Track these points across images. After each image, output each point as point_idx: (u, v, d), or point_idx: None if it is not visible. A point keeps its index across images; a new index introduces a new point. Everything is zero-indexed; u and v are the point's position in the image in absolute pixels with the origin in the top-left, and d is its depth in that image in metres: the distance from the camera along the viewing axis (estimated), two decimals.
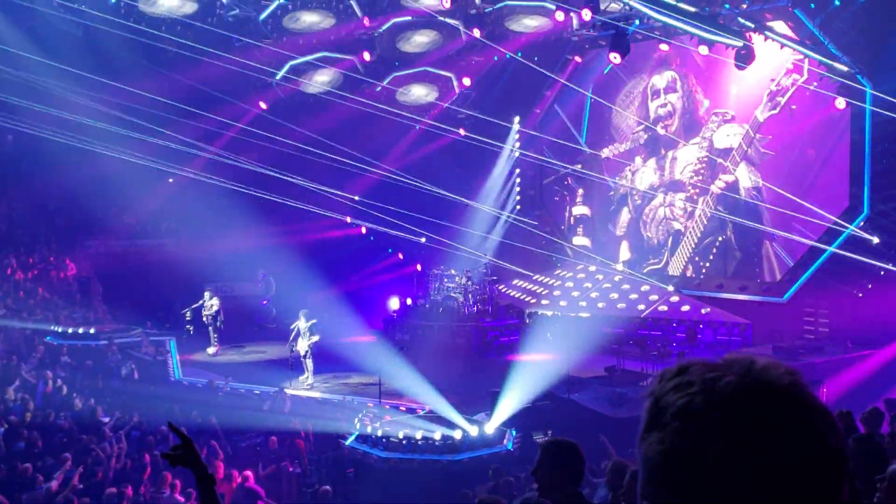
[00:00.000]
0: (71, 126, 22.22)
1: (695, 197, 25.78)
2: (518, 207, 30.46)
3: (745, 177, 24.32)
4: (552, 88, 28.66)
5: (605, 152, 28.31)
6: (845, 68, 20.22)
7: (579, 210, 29.51)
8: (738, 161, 24.51)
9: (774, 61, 22.55)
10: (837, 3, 19.52)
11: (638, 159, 27.42)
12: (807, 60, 21.85)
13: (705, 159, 25.43)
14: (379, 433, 16.35)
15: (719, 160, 24.93)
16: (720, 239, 25.09)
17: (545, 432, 16.29)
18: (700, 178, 25.59)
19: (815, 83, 21.98)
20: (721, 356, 1.37)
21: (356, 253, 29.96)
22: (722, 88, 24.73)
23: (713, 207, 25.06)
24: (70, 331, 23.20)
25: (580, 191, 29.36)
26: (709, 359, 1.39)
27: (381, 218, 26.53)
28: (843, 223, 21.26)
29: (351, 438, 16.58)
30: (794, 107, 23.04)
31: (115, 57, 22.19)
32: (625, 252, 27.87)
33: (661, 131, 26.48)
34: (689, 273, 25.79)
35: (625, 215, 28.01)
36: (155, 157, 23.55)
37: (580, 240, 29.08)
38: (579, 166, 28.91)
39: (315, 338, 20.85)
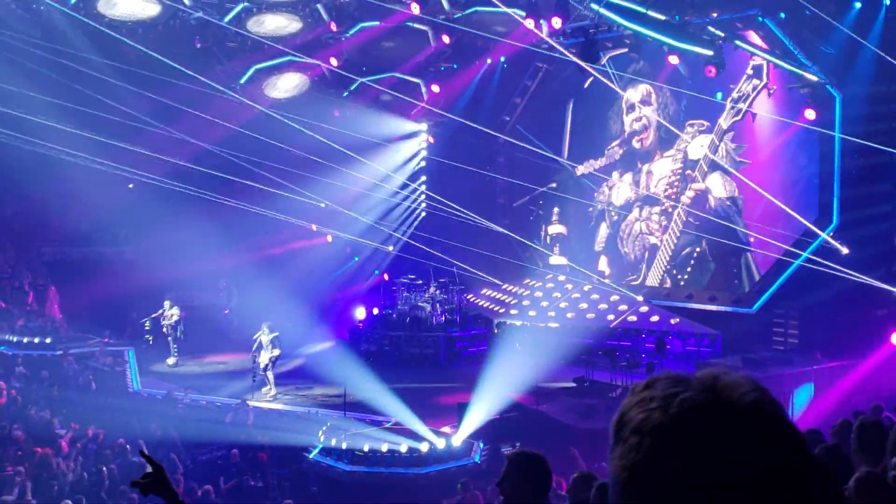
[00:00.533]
0: (28, 130, 21.66)
1: (669, 210, 25.67)
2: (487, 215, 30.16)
3: (719, 186, 24.23)
4: (522, 97, 28.47)
5: (581, 169, 28.08)
6: (815, 78, 20.22)
7: (555, 229, 29.29)
8: (705, 170, 24.45)
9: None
10: (808, 12, 19.50)
11: (615, 174, 27.27)
12: (766, 64, 21.93)
13: (679, 171, 25.33)
14: (343, 446, 16.16)
15: (687, 171, 24.86)
16: (697, 251, 25.00)
17: (513, 444, 16.11)
18: (674, 190, 25.48)
19: (775, 87, 22.04)
20: (693, 369, 1.22)
21: (322, 262, 29.56)
22: (699, 98, 24.62)
23: (685, 219, 24.95)
24: (25, 340, 22.68)
25: (556, 209, 29.14)
26: (680, 372, 1.35)
27: (350, 226, 26.25)
28: (812, 233, 21.22)
29: (315, 451, 16.37)
30: (755, 112, 23.07)
31: (74, 59, 21.69)
32: (604, 267, 27.69)
33: (637, 145, 26.36)
34: (666, 286, 25.64)
35: (603, 231, 27.83)
36: (114, 163, 23.03)
37: (557, 259, 28.83)
38: (554, 185, 28.67)
39: (276, 352, 20.43)
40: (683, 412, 1.26)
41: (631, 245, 26.91)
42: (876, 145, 18.82)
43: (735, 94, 23.32)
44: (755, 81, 22.77)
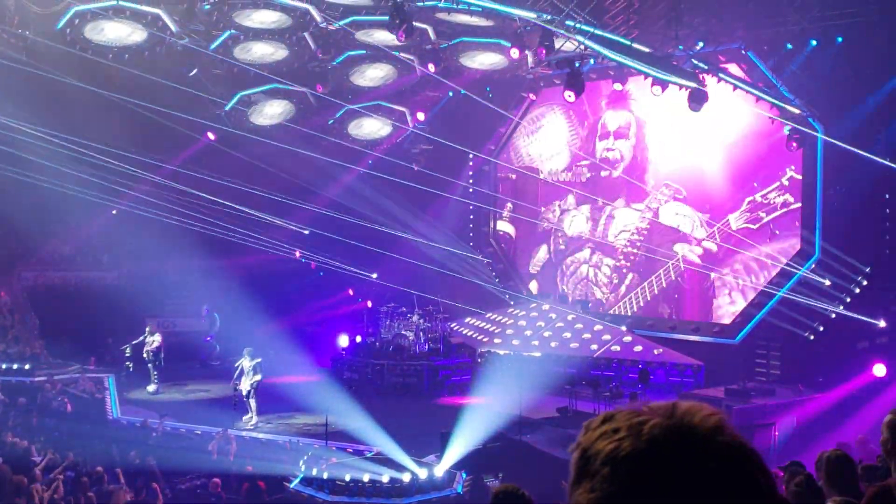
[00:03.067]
0: (10, 154, 21.55)
1: (624, 270, 25.40)
2: (471, 244, 30.21)
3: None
4: (506, 125, 28.60)
5: (544, 172, 27.81)
6: (797, 111, 20.40)
7: (503, 226, 29.04)
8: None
9: (753, 153, 21.98)
10: (790, 46, 19.73)
11: (571, 198, 27.03)
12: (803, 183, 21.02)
13: (645, 231, 25.02)
14: (325, 476, 16.01)
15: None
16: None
17: (496, 475, 16.03)
18: (635, 250, 25.15)
19: (798, 223, 21.35)
20: (673, 398, 1.26)
21: (304, 288, 29.44)
22: (676, 151, 24.25)
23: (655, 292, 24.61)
24: (4, 366, 22.41)
25: (508, 205, 28.83)
26: (634, 404, 1.39)
27: (332, 252, 26.17)
28: (794, 266, 21.33)
29: (296, 481, 16.20)
30: (777, 232, 22.34)
31: (58, 83, 21.66)
32: (532, 291, 27.40)
33: (604, 174, 26.16)
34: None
35: (542, 253, 27.42)
36: (97, 187, 22.94)
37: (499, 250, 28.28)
38: (513, 176, 28.40)
39: (257, 377, 20.27)
40: (655, 438, 1.30)
41: (572, 285, 26.51)
42: (857, 178, 19.01)
43: (758, 197, 22.65)
44: (787, 198, 21.86)
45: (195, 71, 22.76)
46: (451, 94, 27.20)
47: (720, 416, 1.35)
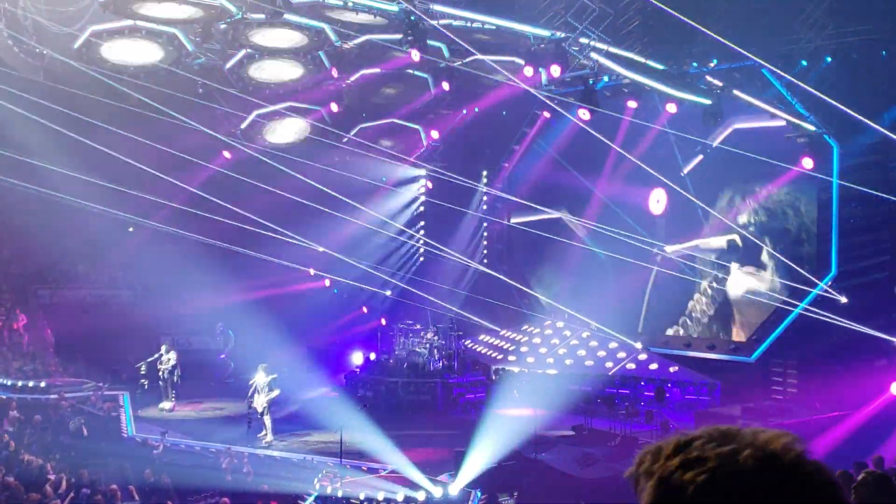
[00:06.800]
0: (27, 172, 21.71)
1: None
2: (485, 261, 30.19)
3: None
4: (521, 143, 28.62)
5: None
6: (812, 128, 20.34)
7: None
8: None
9: None
10: (804, 63, 19.69)
11: None
12: None
13: None
14: (339, 494, 15.98)
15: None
16: None
17: (511, 494, 15.96)
18: None
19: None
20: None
21: (319, 306, 29.48)
22: None
23: None
24: (20, 384, 22.46)
25: None
26: (699, 430, 1.43)
27: (347, 270, 26.25)
28: (811, 282, 21.20)
29: (310, 500, 16.18)
30: None
31: (76, 103, 21.82)
32: None
33: None
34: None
35: None
36: (114, 207, 23.07)
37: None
38: (565, 212, 28.00)
39: (274, 393, 20.27)
40: (749, 468, 1.36)
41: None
42: (874, 192, 18.91)
43: None
44: None
45: (200, 90, 22.81)
46: (464, 111, 27.27)
47: (802, 444, 1.41)
